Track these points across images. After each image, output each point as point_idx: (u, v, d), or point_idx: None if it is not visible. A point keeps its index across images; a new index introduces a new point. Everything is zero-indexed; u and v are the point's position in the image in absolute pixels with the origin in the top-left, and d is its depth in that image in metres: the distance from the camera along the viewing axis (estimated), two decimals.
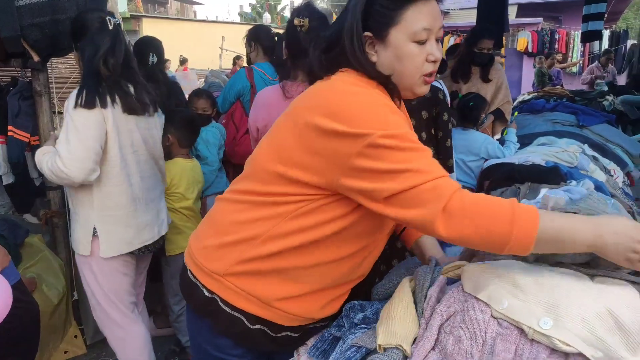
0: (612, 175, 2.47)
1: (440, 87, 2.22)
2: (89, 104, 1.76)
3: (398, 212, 0.91)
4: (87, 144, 1.76)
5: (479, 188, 2.27)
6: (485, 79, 3.25)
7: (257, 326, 1.11)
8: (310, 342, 1.16)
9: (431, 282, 1.04)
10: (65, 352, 2.58)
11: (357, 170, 0.93)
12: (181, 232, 2.51)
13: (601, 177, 2.31)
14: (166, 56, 3.21)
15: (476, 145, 2.73)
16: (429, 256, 1.24)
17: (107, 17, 1.84)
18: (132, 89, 1.94)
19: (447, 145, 2.18)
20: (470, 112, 2.83)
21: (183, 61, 11.96)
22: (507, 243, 0.85)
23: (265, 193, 1.05)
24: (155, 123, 2.10)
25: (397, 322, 0.95)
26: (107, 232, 1.94)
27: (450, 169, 2.21)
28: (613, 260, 0.85)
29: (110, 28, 1.83)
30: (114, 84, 1.85)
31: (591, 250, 0.86)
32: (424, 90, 1.07)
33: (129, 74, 1.93)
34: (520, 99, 4.91)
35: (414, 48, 1.01)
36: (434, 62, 1.04)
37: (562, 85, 7.72)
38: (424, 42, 1.02)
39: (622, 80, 9.11)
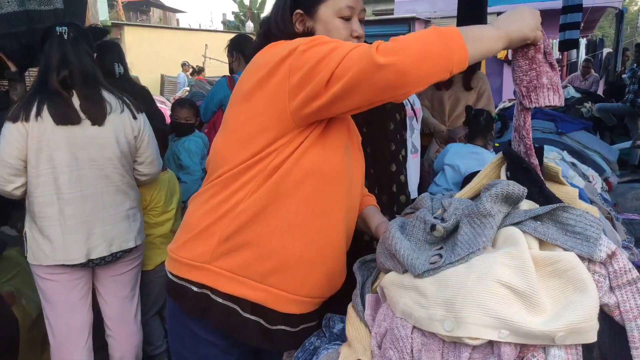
0: (590, 182, 2.51)
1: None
2: (13, 117, 1.82)
3: (340, 88, 0.96)
4: (2, 157, 1.82)
5: None
6: (467, 86, 3.29)
7: (253, 317, 1.11)
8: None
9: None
10: None
11: (296, 86, 1.02)
12: (158, 247, 2.50)
13: (580, 183, 2.36)
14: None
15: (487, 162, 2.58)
16: (375, 225, 1.30)
17: (62, 29, 1.88)
18: (76, 99, 1.92)
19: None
20: (481, 130, 2.74)
21: (199, 71, 12.02)
22: (449, 55, 0.92)
23: (228, 170, 1.11)
24: (108, 134, 2.01)
25: (355, 339, 0.96)
26: (31, 238, 1.98)
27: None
28: (523, 32, 0.99)
29: (65, 39, 1.87)
30: (50, 96, 1.85)
31: (506, 40, 0.98)
32: None
33: (89, 84, 1.93)
34: (500, 106, 4.98)
35: (339, 23, 1.18)
36: (358, 37, 1.20)
37: None
38: (348, 19, 1.19)
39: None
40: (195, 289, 1.12)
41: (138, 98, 2.64)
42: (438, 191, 2.56)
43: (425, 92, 3.47)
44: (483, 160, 2.45)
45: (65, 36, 1.87)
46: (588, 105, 4.97)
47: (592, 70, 8.49)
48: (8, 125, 1.81)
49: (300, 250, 1.11)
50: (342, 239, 1.20)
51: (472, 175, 2.25)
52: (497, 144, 2.95)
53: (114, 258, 2.11)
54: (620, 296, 0.79)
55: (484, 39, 0.97)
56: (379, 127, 1.89)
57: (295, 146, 1.07)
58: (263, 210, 1.08)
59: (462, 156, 2.58)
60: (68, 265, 1.99)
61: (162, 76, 14.18)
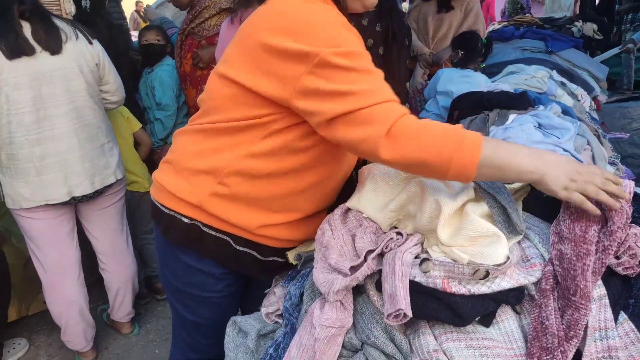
0: (579, 100, 2.49)
1: None
2: None
3: (339, 135, 0.90)
4: None
5: (449, 119, 2.27)
6: (441, 6, 3.15)
7: (245, 249, 1.12)
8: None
9: None
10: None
11: (305, 91, 0.91)
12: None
13: (569, 102, 2.34)
14: None
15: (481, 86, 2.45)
16: None
17: None
18: (27, 30, 1.81)
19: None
20: (470, 54, 2.66)
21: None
22: (448, 168, 0.84)
23: (226, 120, 1.03)
24: (70, 64, 1.91)
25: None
26: (6, 183, 1.95)
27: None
28: (551, 189, 0.84)
29: None
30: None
31: (532, 177, 0.85)
32: (372, 1, 1.09)
33: (40, 14, 1.83)
34: (490, 28, 4.83)
35: None
36: None
37: (531, 14, 7.63)
38: None
39: None
40: (185, 220, 1.10)
41: (114, 34, 2.53)
42: (427, 117, 2.54)
43: (412, 12, 3.34)
44: (476, 84, 2.41)
45: None
46: (579, 24, 4.84)
47: None
48: None
49: (301, 213, 1.11)
50: (336, 192, 1.20)
51: (462, 97, 2.23)
52: (483, 65, 2.89)
53: (96, 194, 2.09)
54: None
55: (507, 168, 0.85)
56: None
57: (290, 125, 1.01)
58: (272, 172, 1.03)
59: (454, 82, 2.53)
60: (50, 204, 1.98)
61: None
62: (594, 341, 0.76)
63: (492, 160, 0.84)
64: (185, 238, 1.12)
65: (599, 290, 0.80)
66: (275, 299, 1.10)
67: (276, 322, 1.06)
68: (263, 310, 1.09)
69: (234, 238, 1.11)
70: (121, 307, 2.44)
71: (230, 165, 1.04)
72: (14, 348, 2.45)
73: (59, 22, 1.91)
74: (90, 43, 2.01)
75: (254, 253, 1.13)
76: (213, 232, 1.10)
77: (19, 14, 1.79)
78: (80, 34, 1.98)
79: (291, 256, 1.09)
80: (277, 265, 1.17)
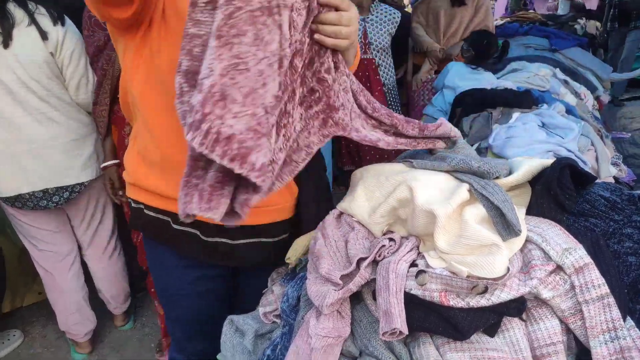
0: (582, 99, 2.47)
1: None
2: None
3: None
4: None
5: (451, 116, 2.24)
6: (455, 2, 3.12)
7: (187, 228, 1.10)
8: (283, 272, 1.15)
9: None
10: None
11: None
12: None
13: (572, 100, 2.31)
14: None
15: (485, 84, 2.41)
16: None
17: None
18: None
19: None
20: (483, 53, 2.64)
21: None
22: None
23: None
24: (12, 52, 1.74)
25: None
26: None
27: None
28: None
29: None
30: None
31: None
32: None
33: None
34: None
35: None
36: None
37: (534, 10, 7.58)
38: None
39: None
40: (133, 204, 1.15)
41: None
42: (432, 112, 2.52)
43: (419, 7, 3.31)
44: (483, 81, 2.38)
45: None
46: (582, 22, 4.81)
47: None
48: None
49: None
50: None
51: (465, 94, 2.20)
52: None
53: (64, 197, 1.98)
54: (587, 312, 0.76)
55: None
56: None
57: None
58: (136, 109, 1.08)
59: (462, 77, 2.51)
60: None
61: None
62: (604, 344, 0.74)
63: None
64: (134, 221, 1.16)
65: (599, 290, 0.78)
66: (273, 298, 1.08)
67: (274, 322, 1.05)
68: (260, 310, 1.07)
69: (172, 216, 1.08)
70: (112, 299, 2.42)
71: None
72: (9, 340, 2.44)
73: (11, 6, 1.74)
74: (55, 24, 1.80)
75: (197, 232, 1.10)
76: (152, 213, 1.10)
77: None
78: (37, 17, 1.77)
79: (293, 258, 1.06)
80: (226, 248, 1.13)
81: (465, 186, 0.91)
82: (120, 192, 2.09)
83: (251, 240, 1.16)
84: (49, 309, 2.30)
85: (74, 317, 2.22)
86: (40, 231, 2.07)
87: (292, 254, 1.04)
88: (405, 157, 1.08)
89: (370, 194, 0.98)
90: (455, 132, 1.06)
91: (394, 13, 3.11)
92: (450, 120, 2.22)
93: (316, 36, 0.86)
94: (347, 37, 0.88)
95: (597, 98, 2.78)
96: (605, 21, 5.28)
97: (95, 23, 1.82)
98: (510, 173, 0.99)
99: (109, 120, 1.99)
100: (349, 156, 3.28)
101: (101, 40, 1.84)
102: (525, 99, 1.98)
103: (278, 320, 1.04)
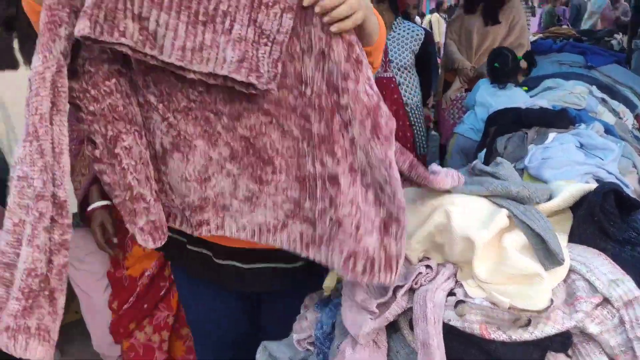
0: (621, 118, 2.39)
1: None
2: None
3: None
4: None
5: (484, 135, 2.21)
6: (487, 18, 3.10)
7: (197, 248, 1.09)
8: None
9: None
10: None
11: None
12: None
13: (610, 119, 2.25)
14: None
15: (519, 102, 2.38)
16: None
17: None
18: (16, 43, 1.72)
19: None
20: (500, 72, 2.60)
21: None
22: None
23: None
24: None
25: None
26: None
27: None
28: None
29: None
30: None
31: None
32: None
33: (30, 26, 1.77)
34: None
35: None
36: None
37: (568, 25, 7.46)
38: None
39: None
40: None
41: None
42: (464, 130, 2.49)
43: (453, 24, 3.31)
44: (515, 97, 2.35)
45: None
46: (619, 37, 4.69)
47: None
48: None
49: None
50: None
51: (499, 113, 2.17)
52: (525, 88, 2.81)
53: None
54: (639, 349, 0.72)
55: None
56: None
57: None
58: None
59: (493, 94, 2.48)
60: None
61: None
62: None
63: None
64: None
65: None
66: (307, 325, 1.07)
67: (307, 350, 1.04)
68: (294, 337, 1.06)
69: (187, 236, 1.07)
70: None
71: None
72: None
73: None
74: None
75: (210, 253, 1.09)
76: (170, 234, 1.07)
77: (6, 19, 1.69)
78: None
79: (329, 283, 1.04)
80: (235, 272, 1.12)
81: (505, 212, 0.89)
82: (115, 240, 1.76)
83: (263, 265, 1.14)
84: (86, 328, 2.34)
85: (108, 338, 2.25)
86: (77, 250, 2.11)
87: (330, 283, 1.03)
88: None
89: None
90: (456, 184, 0.93)
91: (418, 30, 3.06)
92: (484, 139, 2.19)
93: (333, 28, 0.77)
94: (358, 8, 0.78)
95: (637, 116, 2.69)
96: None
97: None
98: (550, 198, 0.96)
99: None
100: None
101: None
102: (562, 119, 1.93)
103: (312, 348, 1.03)
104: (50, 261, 0.76)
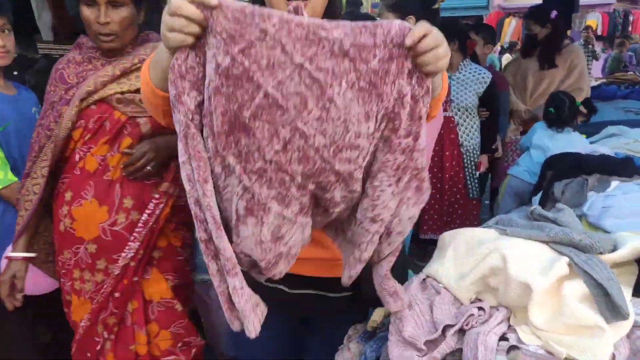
0: None
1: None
2: None
3: None
4: None
5: (540, 179, 2.15)
6: (543, 63, 3.05)
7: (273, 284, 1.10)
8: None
9: None
10: None
11: None
12: None
13: None
14: None
15: (578, 147, 2.32)
16: None
17: None
18: None
19: None
20: (556, 117, 2.56)
21: None
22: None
23: None
24: None
25: None
26: None
27: None
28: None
29: None
30: None
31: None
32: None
33: None
34: None
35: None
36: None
37: (634, 71, 7.21)
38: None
39: None
40: None
41: None
42: (518, 172, 2.44)
43: (510, 66, 3.29)
44: (572, 141, 2.29)
45: None
46: None
47: None
48: None
49: None
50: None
51: (557, 157, 2.11)
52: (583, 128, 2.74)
53: None
54: None
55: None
56: None
57: None
58: None
59: (552, 137, 2.42)
60: None
61: None
62: None
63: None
64: None
65: None
66: (349, 356, 1.07)
67: None
68: None
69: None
70: None
71: None
72: None
73: None
74: None
75: (282, 287, 1.11)
76: None
77: None
78: None
79: (377, 317, 1.04)
80: (283, 296, 1.13)
81: (565, 259, 0.86)
82: (19, 296, 1.52)
83: (308, 291, 1.16)
84: None
85: None
86: None
87: (377, 317, 1.03)
88: (497, 223, 1.05)
89: (459, 260, 0.96)
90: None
91: (484, 73, 3.02)
92: (540, 183, 2.13)
93: (425, 69, 0.81)
94: (446, 55, 0.82)
95: None
96: None
97: (59, 77, 1.50)
98: (614, 249, 0.93)
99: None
100: (431, 223, 3.15)
101: (57, 95, 1.48)
102: (626, 167, 1.86)
103: None
104: None
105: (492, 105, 3.06)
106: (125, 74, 1.45)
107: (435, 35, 0.79)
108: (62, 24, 2.31)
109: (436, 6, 2.15)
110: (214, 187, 0.83)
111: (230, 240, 0.86)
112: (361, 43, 0.76)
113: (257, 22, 0.74)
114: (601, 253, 0.89)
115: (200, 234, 0.84)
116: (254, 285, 1.12)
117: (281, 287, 1.15)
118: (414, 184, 0.86)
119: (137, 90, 1.41)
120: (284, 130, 0.79)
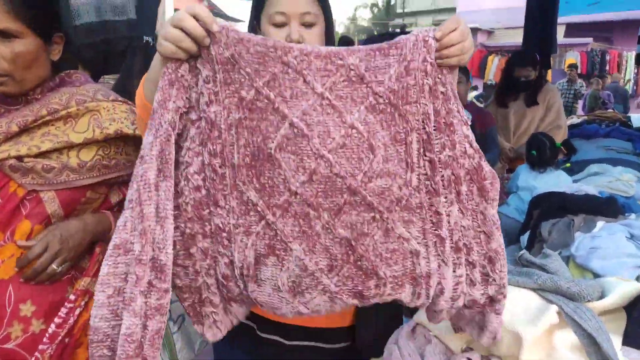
0: None
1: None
2: None
3: None
4: None
5: (527, 217, 2.17)
6: (529, 103, 3.12)
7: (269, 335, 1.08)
8: None
9: None
10: None
11: None
12: None
13: None
14: None
15: (563, 185, 2.29)
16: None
17: (149, 38, 1.88)
18: None
19: None
20: (539, 159, 2.59)
21: None
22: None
23: None
24: None
25: None
26: None
27: None
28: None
29: (150, 46, 1.86)
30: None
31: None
32: None
33: None
34: (569, 122, 4.73)
35: (272, 30, 1.07)
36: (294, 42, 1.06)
37: (613, 109, 7.42)
38: (282, 25, 1.06)
39: None
40: None
41: None
42: (508, 211, 2.47)
43: (490, 106, 3.34)
44: (557, 180, 2.32)
45: (152, 44, 1.86)
46: None
47: None
48: None
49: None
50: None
51: (543, 196, 2.14)
52: (568, 164, 2.78)
53: None
54: None
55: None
56: None
57: None
58: None
59: (535, 177, 2.46)
60: None
61: None
62: None
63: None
64: None
65: None
66: None
67: None
68: None
69: (261, 321, 1.07)
70: None
71: None
72: None
73: None
74: None
75: (254, 326, 1.09)
76: None
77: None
78: None
79: None
80: (280, 349, 1.10)
81: (554, 308, 0.86)
82: None
83: (306, 343, 1.13)
84: None
85: None
86: None
87: None
88: None
89: None
90: None
91: (466, 114, 3.08)
92: (527, 222, 2.15)
93: (440, 62, 0.79)
94: (471, 47, 0.82)
95: None
96: None
97: None
98: (602, 295, 0.93)
99: None
100: None
101: None
102: (610, 207, 1.88)
103: None
104: (145, 326, 0.74)
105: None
106: (26, 130, 1.07)
107: (462, 29, 0.80)
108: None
109: None
110: (217, 226, 0.80)
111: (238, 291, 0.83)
112: (375, 65, 0.77)
113: (279, 55, 0.75)
114: (589, 301, 0.90)
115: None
116: (250, 338, 1.10)
117: (277, 338, 1.12)
118: (474, 188, 0.81)
119: (43, 154, 1.06)
120: (309, 160, 0.76)
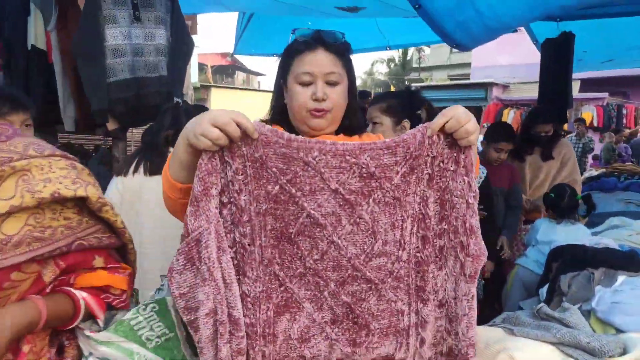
0: None
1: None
2: (116, 172, 1.90)
3: None
4: None
5: (546, 270, 2.15)
6: (545, 157, 3.15)
7: None
8: None
9: None
10: None
11: None
12: None
13: None
14: None
15: (582, 238, 2.31)
16: None
17: (179, 100, 1.96)
18: None
19: None
20: (556, 203, 2.62)
21: None
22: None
23: None
24: None
25: None
26: None
27: None
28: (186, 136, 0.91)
29: (180, 106, 1.94)
30: (150, 152, 1.87)
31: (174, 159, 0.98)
32: (313, 123, 1.16)
33: None
34: (587, 174, 4.72)
35: (298, 88, 1.15)
36: (317, 100, 1.14)
37: (632, 162, 7.37)
38: (308, 84, 1.14)
39: None
40: None
41: None
42: (527, 263, 2.45)
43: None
44: (577, 233, 2.32)
45: (180, 104, 1.98)
46: None
47: None
48: (112, 179, 1.90)
49: None
50: None
51: (562, 249, 2.13)
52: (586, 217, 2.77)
53: None
54: None
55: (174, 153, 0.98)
56: None
57: None
58: None
59: (553, 228, 2.46)
60: None
61: None
62: None
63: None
64: None
65: None
66: None
67: None
68: None
69: None
70: None
71: None
72: None
73: None
74: None
75: None
76: None
77: (164, 137, 1.87)
78: None
79: None
80: None
81: None
82: None
83: None
84: None
85: None
86: None
87: None
88: (504, 321, 1.05)
89: None
90: None
91: (481, 170, 3.06)
92: (546, 275, 2.13)
93: (460, 143, 0.94)
94: (475, 129, 0.94)
95: None
96: None
97: None
98: (624, 352, 0.93)
99: None
100: None
101: None
102: (632, 261, 1.86)
103: None
104: None
105: (489, 203, 2.70)
106: None
107: (457, 117, 0.92)
108: (83, 116, 2.46)
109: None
110: (244, 292, 0.94)
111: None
112: (384, 164, 0.92)
113: (301, 155, 0.90)
114: (611, 356, 0.89)
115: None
116: None
117: None
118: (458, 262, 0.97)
119: None
120: (322, 244, 0.93)
